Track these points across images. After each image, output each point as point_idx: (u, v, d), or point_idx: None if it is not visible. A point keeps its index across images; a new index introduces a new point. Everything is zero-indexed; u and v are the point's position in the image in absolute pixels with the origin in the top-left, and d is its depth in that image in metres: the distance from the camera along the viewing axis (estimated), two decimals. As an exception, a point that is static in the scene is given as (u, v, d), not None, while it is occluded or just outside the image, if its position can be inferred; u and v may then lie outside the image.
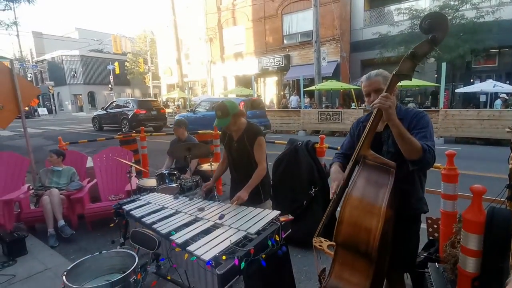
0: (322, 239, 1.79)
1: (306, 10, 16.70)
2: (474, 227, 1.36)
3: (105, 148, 4.55)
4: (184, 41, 22.56)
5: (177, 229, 1.88)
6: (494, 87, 11.02)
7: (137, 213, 2.19)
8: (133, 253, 1.78)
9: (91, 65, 35.33)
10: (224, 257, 1.53)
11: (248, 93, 16.71)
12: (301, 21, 17.35)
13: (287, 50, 17.89)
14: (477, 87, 11.76)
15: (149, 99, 17.19)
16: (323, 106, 14.38)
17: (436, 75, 13.28)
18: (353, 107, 13.85)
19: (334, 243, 1.75)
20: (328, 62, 14.98)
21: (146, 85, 32.03)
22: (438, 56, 12.03)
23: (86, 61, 35.01)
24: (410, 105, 12.86)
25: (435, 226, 2.31)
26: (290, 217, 2.02)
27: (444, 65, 9.77)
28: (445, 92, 12.69)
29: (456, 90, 13.57)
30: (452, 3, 12.07)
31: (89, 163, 4.55)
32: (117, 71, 27.26)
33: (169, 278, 1.95)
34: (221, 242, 1.68)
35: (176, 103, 21.97)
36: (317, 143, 3.20)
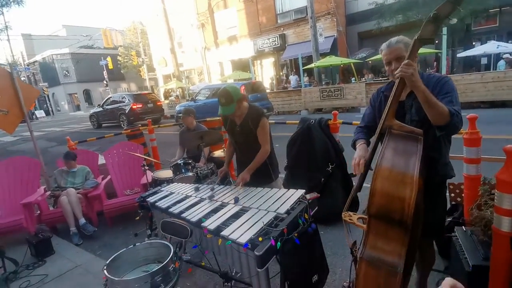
0: (351, 213, 1.81)
1: (298, -15, 16.19)
2: (509, 187, 1.36)
3: (112, 144, 4.55)
4: (175, 29, 22.03)
5: (206, 216, 1.90)
6: (497, 47, 10.79)
7: (162, 204, 2.21)
8: (167, 243, 1.81)
9: (83, 62, 34.77)
10: (260, 239, 1.55)
11: (247, 77, 16.48)
12: (294, -3, 16.84)
13: (282, 29, 17.46)
14: (480, 49, 11.51)
15: (145, 92, 17.12)
16: (323, 83, 14.21)
17: (436, 41, 13.01)
18: (353, 81, 13.68)
19: (363, 216, 1.79)
20: (325, 37, 14.66)
21: (141, 78, 31.63)
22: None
23: (77, 59, 34.43)
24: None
25: (457, 191, 2.32)
26: (316, 194, 2.03)
27: (445, 29, 9.54)
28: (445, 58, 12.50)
29: (458, 55, 13.32)
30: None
31: (100, 160, 4.57)
32: (110, 66, 26.78)
33: (203, 264, 1.99)
34: (253, 224, 1.70)
35: (174, 94, 21.75)
36: (330, 119, 3.17)
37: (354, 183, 3.18)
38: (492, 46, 10.95)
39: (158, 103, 15.41)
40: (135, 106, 13.90)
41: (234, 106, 2.26)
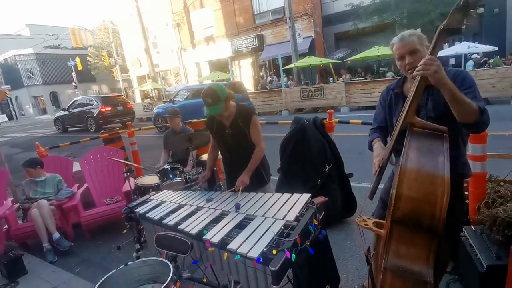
0: (365, 217, 1.69)
1: (275, -15, 16.21)
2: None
3: (83, 149, 4.19)
4: (149, 28, 21.30)
5: (207, 227, 1.71)
6: (468, 48, 11.32)
7: (154, 215, 1.98)
8: (164, 260, 1.60)
9: (49, 63, 32.75)
10: (274, 252, 1.39)
11: (226, 78, 16.25)
12: (271, -2, 16.84)
13: (260, 29, 17.40)
14: (452, 50, 12.03)
15: (114, 94, 16.57)
16: (302, 83, 14.29)
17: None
18: (331, 81, 13.86)
19: (379, 221, 1.68)
20: (303, 38, 14.76)
21: (114, 80, 30.33)
22: (411, 24, 12.21)
23: (43, 59, 32.38)
24: (388, 74, 13.04)
25: (460, 189, 2.29)
26: (324, 198, 1.90)
27: (419, 30, 9.87)
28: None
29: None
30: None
31: (75, 167, 4.20)
32: (80, 67, 25.38)
33: (204, 280, 1.79)
34: (262, 235, 1.53)
35: (150, 95, 21.08)
36: (325, 118, 3.07)
37: (351, 183, 3.12)
38: (463, 47, 11.49)
39: (129, 106, 14.96)
40: (103, 109, 13.41)
41: (221, 105, 2.09)
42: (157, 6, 20.23)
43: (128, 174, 3.33)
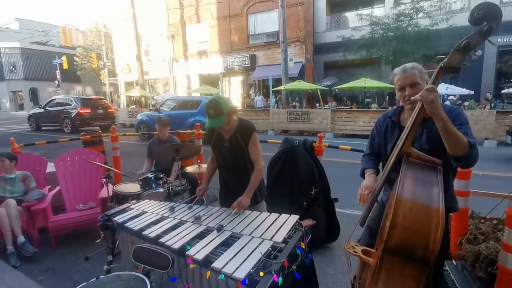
0: (354, 244, 1.66)
1: (271, 11, 16.82)
2: (521, 224, 1.33)
3: (58, 150, 3.98)
4: (143, 36, 21.29)
5: (190, 243, 1.63)
6: (447, 89, 12.07)
7: (134, 225, 1.87)
8: (141, 275, 1.49)
9: (34, 58, 31.78)
10: (261, 274, 1.32)
11: (216, 92, 16.32)
12: (266, 22, 17.40)
13: (253, 50, 17.81)
14: (431, 89, 12.81)
15: (95, 96, 16.31)
16: (290, 106, 14.56)
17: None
18: (318, 107, 14.23)
19: (368, 249, 1.66)
20: (294, 62, 15.21)
21: (100, 83, 29.69)
22: (395, 61, 12.92)
23: (28, 54, 31.42)
24: (373, 105, 13.56)
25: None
26: (312, 221, 1.87)
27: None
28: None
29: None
30: (407, 11, 12.98)
31: (49, 168, 3.96)
32: (65, 66, 24.66)
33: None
34: (249, 255, 1.47)
35: (138, 102, 20.78)
36: (315, 142, 3.10)
37: (336, 208, 3.11)
38: (442, 88, 12.23)
39: (110, 110, 14.69)
40: (82, 111, 13.08)
41: (223, 118, 2.05)
42: (154, 16, 20.38)
43: (107, 179, 3.18)
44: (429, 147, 1.54)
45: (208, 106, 2.06)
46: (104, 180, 3.04)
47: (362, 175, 1.70)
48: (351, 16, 16.13)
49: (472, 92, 12.69)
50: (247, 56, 17.82)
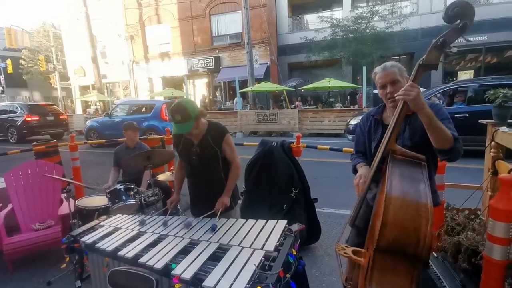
0: (343, 245, 1.64)
1: (234, 12, 16.75)
2: (504, 215, 1.39)
3: (7, 163, 3.55)
4: (99, 37, 20.02)
5: (175, 260, 1.48)
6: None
7: (106, 245, 1.67)
8: (121, 302, 1.31)
9: (-29, 62, 28.46)
10: (259, 288, 1.23)
11: (181, 95, 15.83)
12: (230, 23, 17.29)
13: (217, 51, 17.59)
14: (390, 87, 13.65)
15: (44, 102, 15.05)
16: (257, 107, 14.59)
17: (358, 77, 14.89)
18: (284, 107, 14.43)
19: (357, 249, 1.64)
20: (259, 64, 15.29)
21: (50, 87, 27.41)
22: (355, 62, 13.55)
23: (-35, 58, 28.04)
24: (337, 105, 14.06)
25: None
26: (301, 226, 1.82)
27: (364, 68, 10.97)
28: (359, 94, 14.38)
29: (374, 91, 15.49)
30: (364, 14, 13.68)
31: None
32: (10, 70, 22.42)
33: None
34: (242, 268, 1.37)
35: (94, 107, 19.41)
36: (293, 142, 3.07)
37: (316, 208, 3.11)
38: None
39: (61, 116, 13.62)
40: (29, 118, 11.97)
41: (191, 123, 1.91)
42: (109, 15, 19.25)
43: (67, 193, 2.86)
44: (411, 143, 1.57)
45: (174, 111, 1.90)
46: (64, 194, 2.72)
47: (354, 171, 1.70)
48: (313, 18, 16.66)
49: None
50: (212, 58, 17.55)
